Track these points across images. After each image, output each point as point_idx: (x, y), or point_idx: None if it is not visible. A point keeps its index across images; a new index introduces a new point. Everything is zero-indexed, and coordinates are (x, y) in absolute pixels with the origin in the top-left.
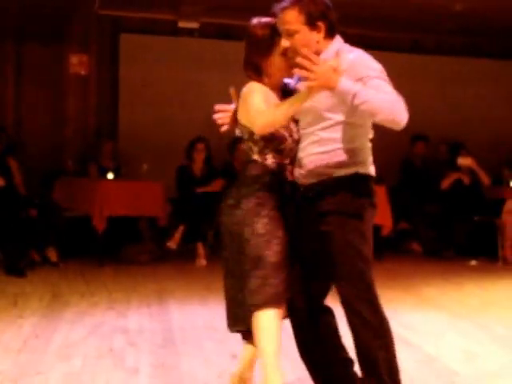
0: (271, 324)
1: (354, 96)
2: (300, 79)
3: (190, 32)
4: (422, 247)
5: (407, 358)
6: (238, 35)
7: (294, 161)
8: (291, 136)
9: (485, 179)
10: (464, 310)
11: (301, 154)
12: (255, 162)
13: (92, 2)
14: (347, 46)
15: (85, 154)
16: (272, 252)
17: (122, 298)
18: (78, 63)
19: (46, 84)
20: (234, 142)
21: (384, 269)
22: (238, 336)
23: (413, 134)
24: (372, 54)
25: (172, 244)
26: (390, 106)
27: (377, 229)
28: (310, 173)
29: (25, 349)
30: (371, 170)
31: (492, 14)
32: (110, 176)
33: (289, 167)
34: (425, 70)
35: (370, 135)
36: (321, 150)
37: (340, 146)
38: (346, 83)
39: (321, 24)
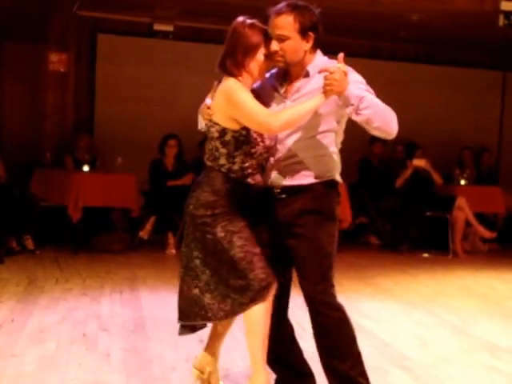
0: (259, 320)
1: (361, 100)
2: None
3: (164, 34)
4: (379, 240)
5: (363, 345)
6: (211, 38)
7: (262, 165)
8: (263, 142)
9: (437, 179)
10: (417, 300)
11: (280, 156)
12: (218, 170)
13: (71, 3)
14: (327, 59)
15: (62, 147)
16: (237, 249)
17: (95, 284)
18: (57, 61)
19: (26, 80)
20: (204, 138)
21: (343, 261)
22: None
23: (371, 135)
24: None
25: (144, 234)
26: (387, 116)
27: None
28: (289, 175)
29: (1, 332)
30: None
31: (444, 24)
32: (86, 168)
33: (254, 172)
34: (382, 75)
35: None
36: (303, 155)
37: (321, 152)
38: (352, 87)
39: (311, 34)
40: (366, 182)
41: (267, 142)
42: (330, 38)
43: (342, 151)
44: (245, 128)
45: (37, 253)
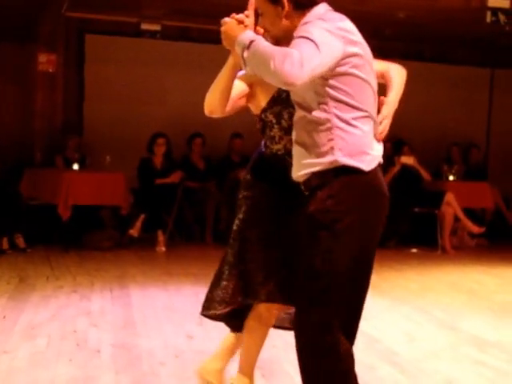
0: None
1: (248, 47)
2: None
3: (152, 34)
4: None
5: None
6: (198, 37)
7: (287, 151)
8: (279, 123)
9: (425, 175)
10: (405, 295)
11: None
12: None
13: (60, 4)
14: (328, 15)
15: (52, 146)
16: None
17: (85, 282)
18: (46, 61)
19: (15, 81)
20: (191, 137)
21: None
22: (195, 318)
23: None
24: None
25: (133, 232)
26: (272, 56)
27: None
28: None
29: None
30: None
31: (431, 22)
32: (76, 167)
33: (282, 156)
34: None
35: None
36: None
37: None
38: (246, 35)
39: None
40: None
41: (284, 124)
42: None
43: None
44: (262, 111)
45: (28, 251)
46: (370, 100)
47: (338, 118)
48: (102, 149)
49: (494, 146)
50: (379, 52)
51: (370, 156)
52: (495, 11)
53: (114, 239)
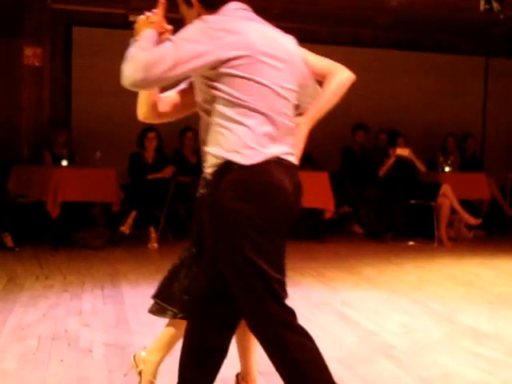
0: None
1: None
2: None
3: None
4: (362, 229)
5: (348, 334)
6: None
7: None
8: None
9: (421, 167)
10: (402, 288)
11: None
12: None
13: None
14: (230, 14)
15: (39, 142)
16: None
17: (76, 280)
18: (32, 55)
19: (1, 75)
20: (183, 130)
21: (327, 250)
22: None
23: (353, 123)
24: (314, 48)
25: (125, 229)
26: (126, 58)
27: (320, 212)
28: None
29: None
30: None
31: (424, 10)
32: (64, 163)
33: None
34: (363, 62)
35: None
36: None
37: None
38: (144, 33)
39: (194, 1)
40: (348, 171)
41: None
42: (310, 26)
43: (323, 140)
44: None
45: (16, 250)
46: (261, 96)
47: (222, 115)
48: (92, 144)
49: (490, 135)
50: (373, 41)
51: (253, 151)
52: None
53: (105, 237)
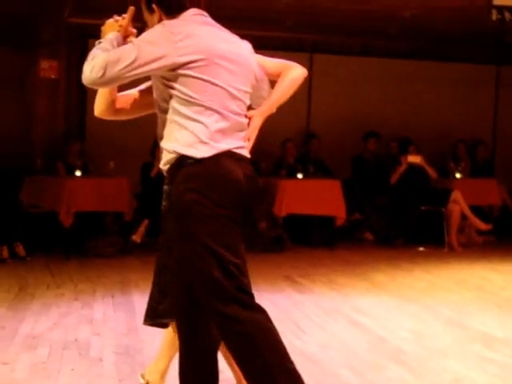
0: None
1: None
2: None
3: None
4: (373, 236)
5: (359, 340)
6: None
7: None
8: None
9: (432, 173)
10: (412, 294)
11: None
12: None
13: (62, 10)
14: (187, 19)
15: (53, 153)
16: None
17: (87, 289)
18: (48, 68)
19: (17, 87)
20: None
21: (338, 257)
22: None
23: (365, 131)
24: (327, 58)
25: (136, 237)
26: (90, 58)
27: (331, 220)
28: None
29: None
30: None
31: (436, 21)
32: (78, 173)
33: None
34: (375, 72)
35: None
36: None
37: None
38: (108, 36)
39: (155, 7)
40: (360, 179)
41: None
42: (321, 36)
43: (335, 148)
44: None
45: (28, 259)
46: (216, 96)
47: (179, 112)
48: (105, 154)
49: (501, 142)
50: (385, 51)
51: (207, 146)
52: (500, 9)
53: (116, 245)
